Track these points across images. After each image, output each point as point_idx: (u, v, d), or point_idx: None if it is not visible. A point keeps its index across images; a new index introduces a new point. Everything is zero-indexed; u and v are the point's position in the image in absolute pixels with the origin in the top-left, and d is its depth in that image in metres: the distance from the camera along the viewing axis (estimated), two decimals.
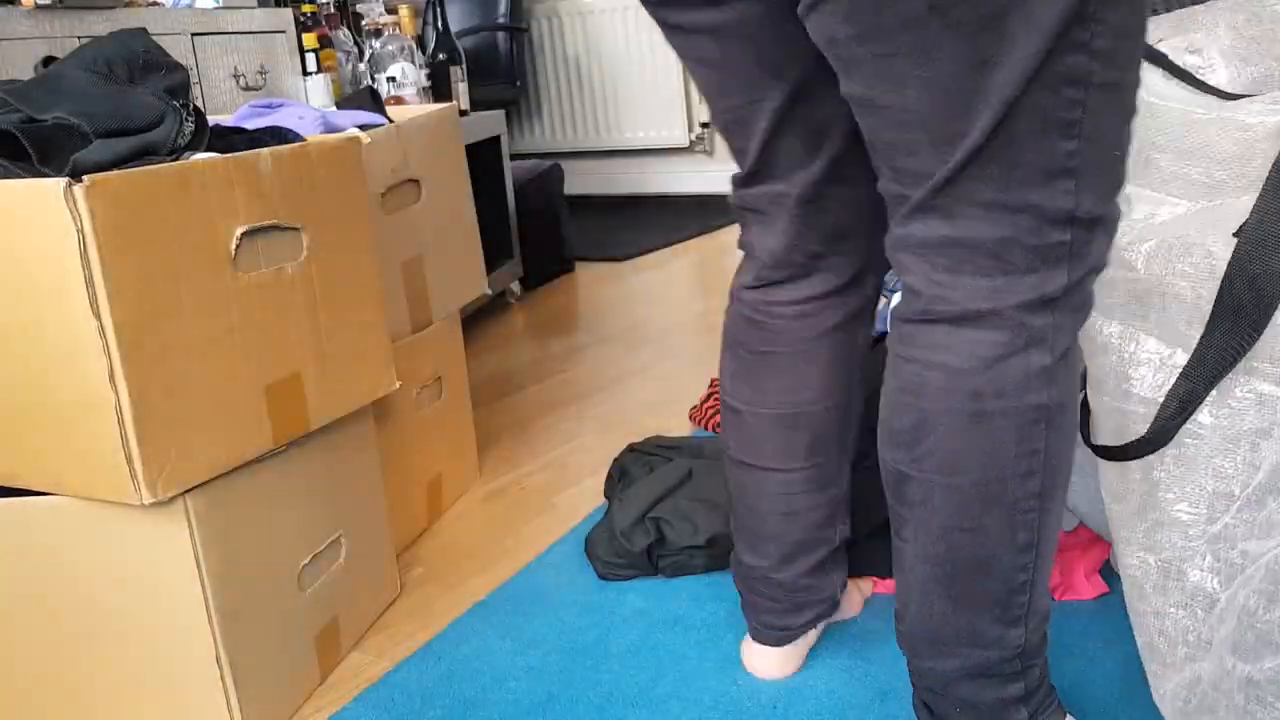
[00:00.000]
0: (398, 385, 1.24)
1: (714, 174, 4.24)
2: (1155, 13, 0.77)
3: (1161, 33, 0.75)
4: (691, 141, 4.16)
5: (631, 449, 1.52)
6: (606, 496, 1.49)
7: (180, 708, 1.03)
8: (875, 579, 1.21)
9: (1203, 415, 0.75)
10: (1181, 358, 0.76)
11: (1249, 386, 0.74)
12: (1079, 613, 1.13)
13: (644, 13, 4.64)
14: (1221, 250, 0.73)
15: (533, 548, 1.42)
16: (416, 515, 1.48)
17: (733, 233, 3.79)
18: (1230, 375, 0.73)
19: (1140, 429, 0.79)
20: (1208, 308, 0.74)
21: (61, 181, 0.85)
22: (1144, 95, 0.75)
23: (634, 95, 4.18)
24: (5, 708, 1.07)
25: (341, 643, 1.20)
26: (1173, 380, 0.77)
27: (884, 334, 1.53)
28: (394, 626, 1.26)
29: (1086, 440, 0.86)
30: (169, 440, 0.93)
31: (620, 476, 1.48)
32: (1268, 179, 0.70)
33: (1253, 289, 0.70)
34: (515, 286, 2.80)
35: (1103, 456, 0.83)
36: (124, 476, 0.92)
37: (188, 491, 0.96)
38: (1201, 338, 0.74)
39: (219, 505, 1.00)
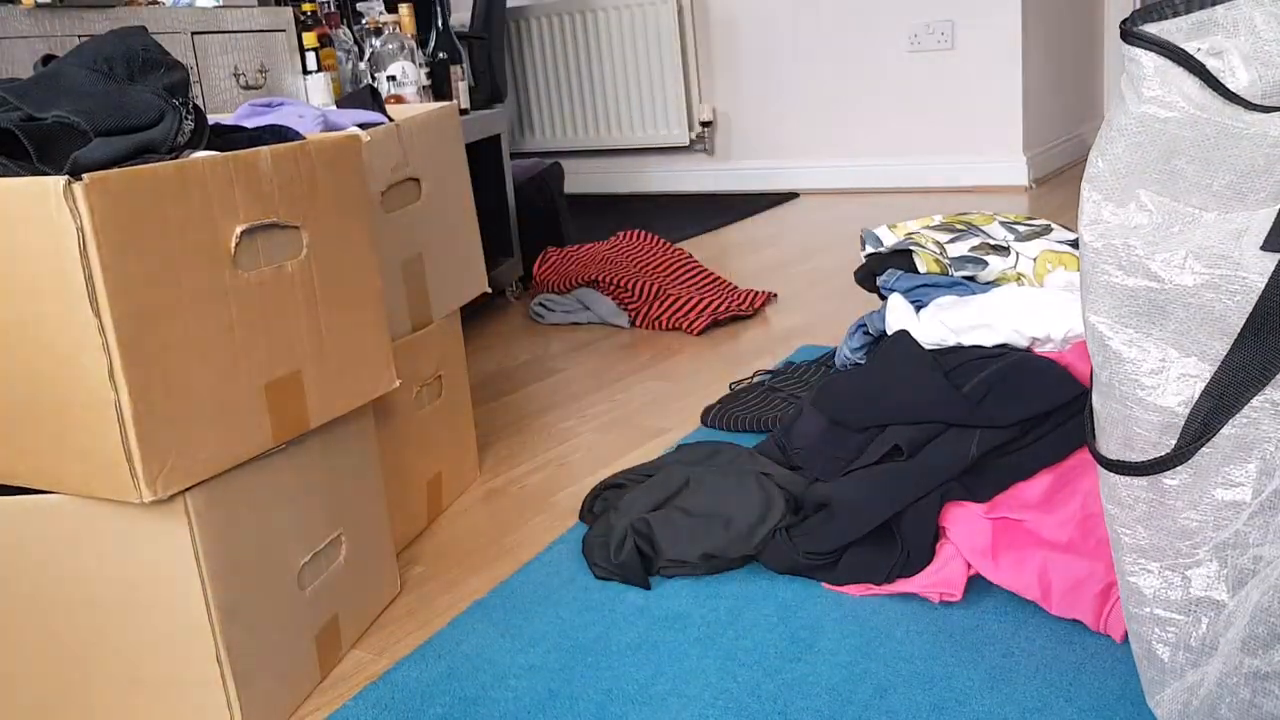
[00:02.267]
0: (398, 384, 1.24)
1: (714, 173, 4.25)
2: (1176, 14, 0.76)
3: (1181, 36, 0.74)
4: (692, 140, 4.17)
5: (604, 484, 1.49)
6: (583, 521, 1.46)
7: (180, 706, 1.03)
8: (870, 584, 1.21)
9: None
10: (1196, 366, 0.76)
11: (1265, 396, 0.73)
12: None
13: (644, 11, 4.66)
14: (1251, 263, 0.72)
15: (533, 546, 1.42)
16: (416, 513, 1.48)
17: (732, 231, 3.79)
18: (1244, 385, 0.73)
19: (1151, 436, 0.79)
20: (1234, 320, 0.73)
21: (61, 180, 0.85)
22: (1181, 103, 0.74)
23: (634, 94, 4.18)
24: (5, 708, 1.07)
25: (342, 641, 1.20)
26: (1187, 389, 0.76)
27: (883, 334, 1.53)
28: (394, 624, 1.26)
29: (1091, 446, 0.86)
30: (169, 438, 0.93)
31: (596, 503, 1.45)
32: None
33: None
34: (515, 285, 2.80)
35: (1114, 470, 0.82)
36: (124, 475, 0.92)
37: (188, 490, 0.96)
38: (1229, 354, 0.74)
39: (219, 503, 1.00)
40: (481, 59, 2.92)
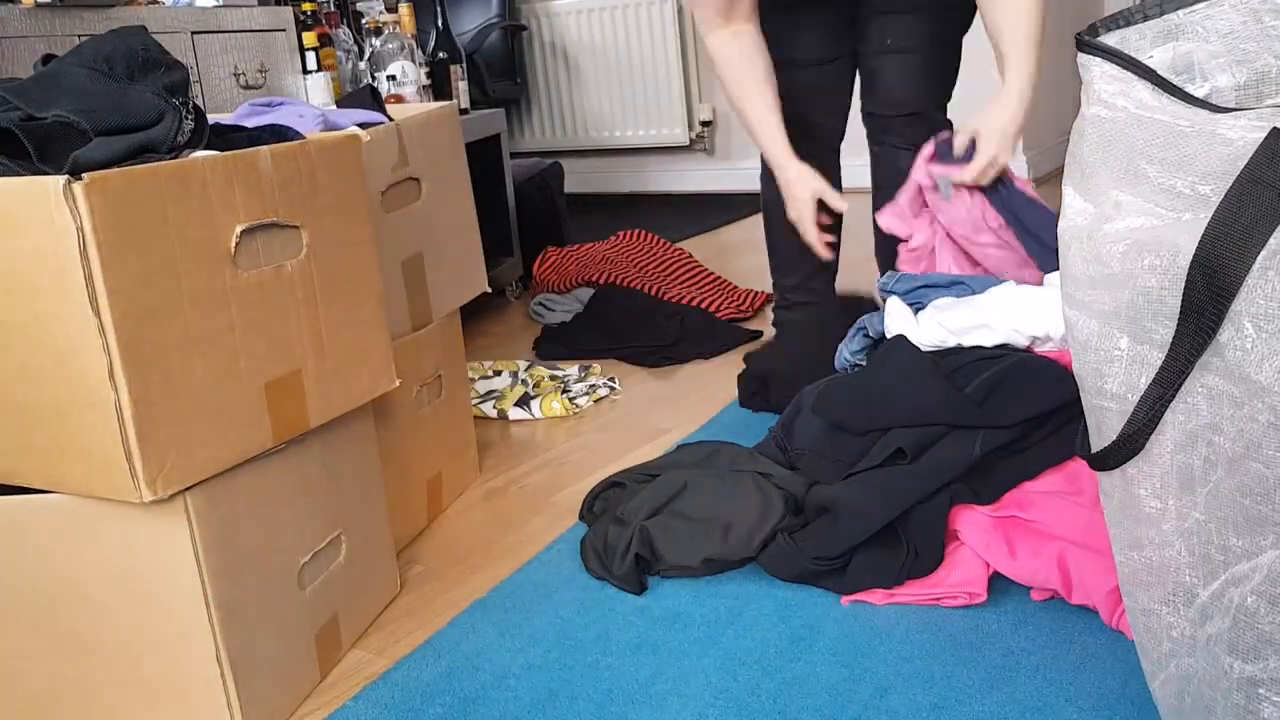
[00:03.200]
0: (398, 383, 1.24)
1: (714, 172, 4.24)
2: (1147, 18, 0.77)
3: (1147, 41, 0.75)
4: (692, 140, 4.16)
5: (605, 483, 1.48)
6: (583, 521, 1.46)
7: (180, 706, 1.03)
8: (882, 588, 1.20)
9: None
10: (1147, 352, 0.77)
11: (1200, 380, 0.74)
12: (1079, 608, 1.13)
13: (644, 10, 4.64)
14: (1187, 245, 0.73)
15: (532, 545, 1.42)
16: (416, 513, 1.48)
17: (732, 231, 3.80)
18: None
19: (1115, 425, 0.80)
20: (1174, 303, 0.74)
21: (61, 179, 0.85)
22: (1130, 108, 0.75)
23: (634, 93, 4.18)
24: (5, 707, 1.07)
25: (342, 640, 1.20)
26: (1140, 375, 0.77)
27: (883, 336, 1.53)
28: (394, 624, 1.26)
29: (1080, 445, 0.87)
30: (169, 438, 0.93)
31: (596, 503, 1.46)
32: (1236, 179, 0.70)
33: (1209, 287, 0.70)
34: (515, 285, 2.80)
35: (1091, 465, 0.84)
36: (124, 474, 0.92)
37: (188, 489, 0.96)
38: (1173, 340, 0.75)
39: (219, 503, 1.00)
40: (520, 47, 2.88)
